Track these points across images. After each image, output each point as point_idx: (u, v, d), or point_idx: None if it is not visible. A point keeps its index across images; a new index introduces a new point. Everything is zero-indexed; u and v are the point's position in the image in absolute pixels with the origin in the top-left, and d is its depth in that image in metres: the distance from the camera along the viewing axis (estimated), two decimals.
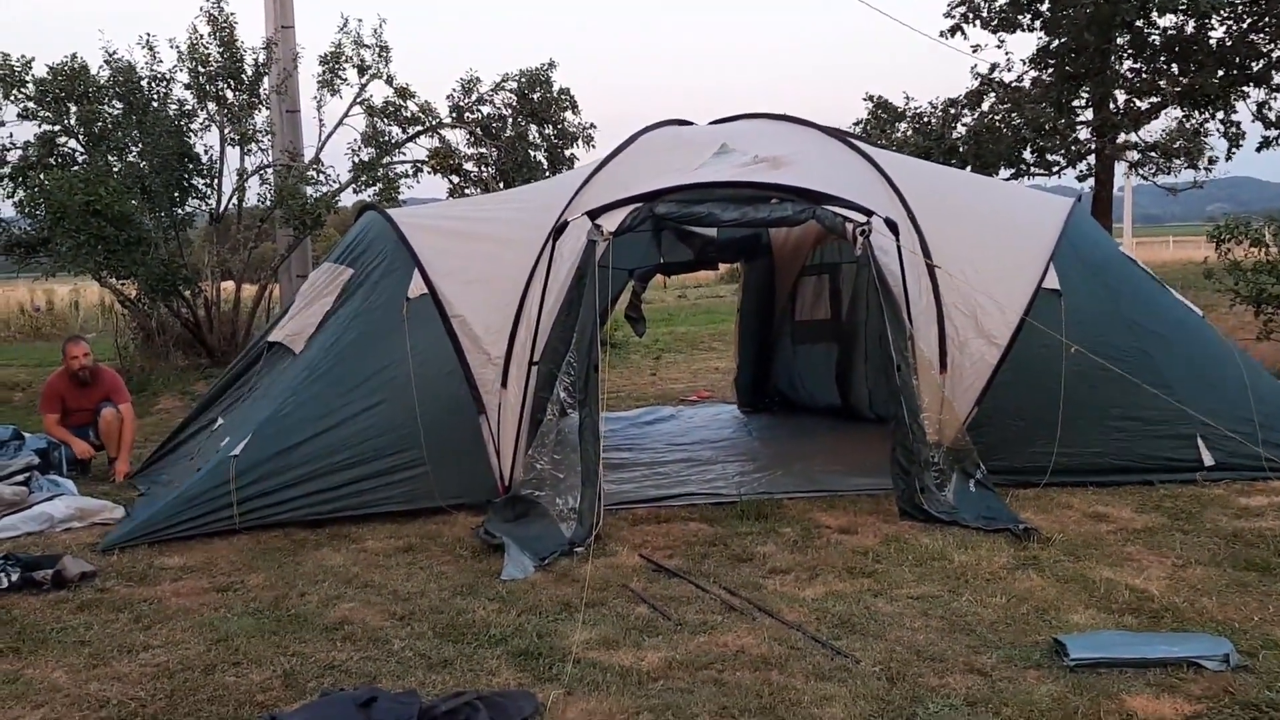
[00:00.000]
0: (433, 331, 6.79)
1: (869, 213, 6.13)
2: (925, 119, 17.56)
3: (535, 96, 14.92)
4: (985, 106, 17.26)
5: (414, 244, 7.05)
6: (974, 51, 17.65)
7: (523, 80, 14.91)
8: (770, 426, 9.73)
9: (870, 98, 18.07)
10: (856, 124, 18.01)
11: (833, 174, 6.97)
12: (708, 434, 9.33)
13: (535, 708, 3.83)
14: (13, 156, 13.91)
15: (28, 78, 13.71)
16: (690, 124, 8.27)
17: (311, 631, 4.70)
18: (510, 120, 15.04)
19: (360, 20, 14.44)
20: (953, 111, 17.46)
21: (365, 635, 4.63)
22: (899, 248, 6.30)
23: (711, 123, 8.39)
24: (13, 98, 13.70)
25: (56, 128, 13.94)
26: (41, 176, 12.43)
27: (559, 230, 6.42)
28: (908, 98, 17.89)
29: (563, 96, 15.12)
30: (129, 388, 12.19)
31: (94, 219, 11.51)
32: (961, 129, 17.24)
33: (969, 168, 16.79)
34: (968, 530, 5.95)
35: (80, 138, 13.93)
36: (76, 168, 12.87)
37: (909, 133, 17.37)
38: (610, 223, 6.08)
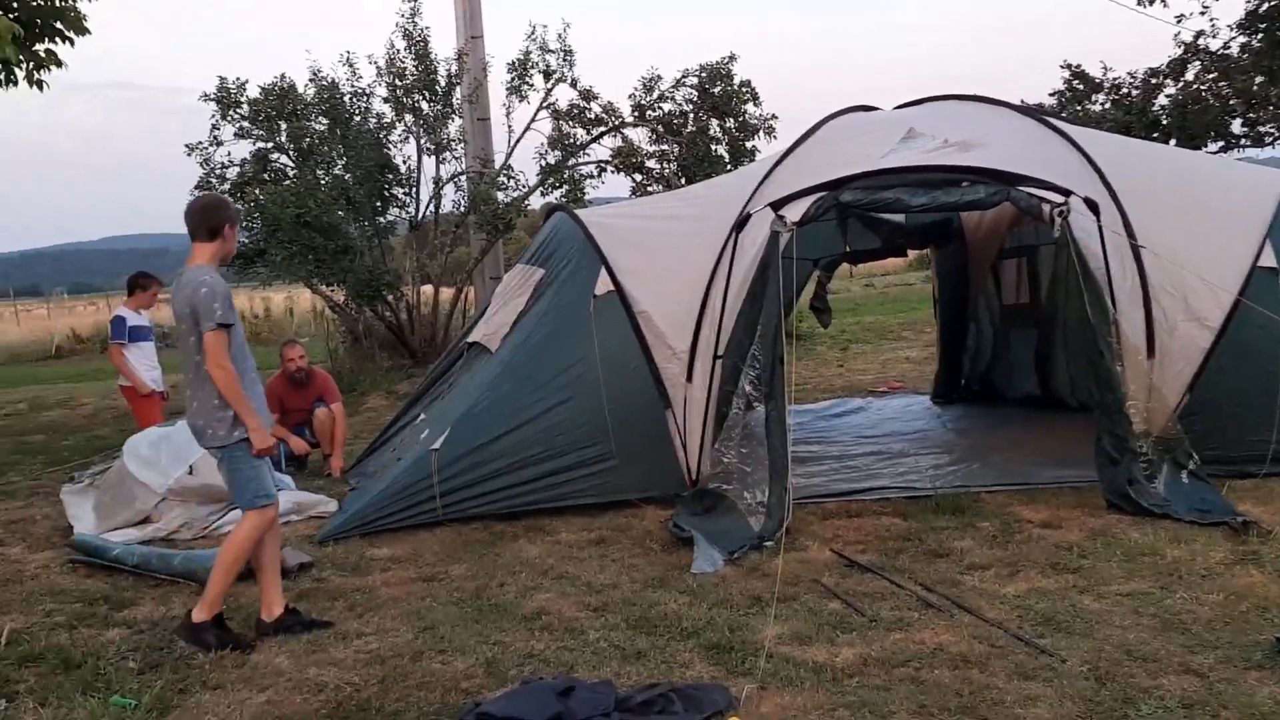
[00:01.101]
0: (619, 328, 6.90)
1: (1067, 192, 5.85)
2: (1124, 90, 16.55)
3: (716, 90, 14.92)
4: (1190, 76, 16.14)
5: (600, 242, 7.18)
6: (1177, 21, 16.57)
7: (703, 75, 14.93)
8: (965, 417, 9.43)
9: (1068, 65, 17.17)
10: (1052, 95, 17.19)
11: (1027, 154, 6.70)
12: (899, 426, 9.12)
13: (729, 701, 3.84)
14: (231, 174, 14.95)
15: (242, 99, 14.69)
16: (875, 109, 8.10)
17: (511, 621, 4.85)
18: (691, 116, 15.09)
19: (545, 26, 14.71)
20: (1154, 82, 16.38)
21: (561, 625, 4.75)
22: (1100, 228, 5.99)
23: (897, 107, 8.20)
24: (229, 118, 14.71)
25: (269, 145, 14.89)
26: (257, 192, 13.27)
27: (741, 223, 6.41)
28: (1105, 68, 16.97)
29: (744, 89, 15.06)
30: (340, 388, 12.96)
31: (304, 230, 12.25)
32: (1164, 100, 16.18)
33: (1173, 141, 15.76)
34: (1180, 524, 5.62)
35: (290, 153, 14.83)
36: (287, 182, 13.68)
37: (1107, 105, 16.42)
38: (794, 213, 6.03)
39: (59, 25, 9.14)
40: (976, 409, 9.75)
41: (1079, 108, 16.61)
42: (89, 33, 9.35)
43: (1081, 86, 16.80)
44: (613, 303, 6.95)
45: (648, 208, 8.59)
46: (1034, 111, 7.57)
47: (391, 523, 6.48)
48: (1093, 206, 5.94)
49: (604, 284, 7.00)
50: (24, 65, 9.16)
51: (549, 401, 6.77)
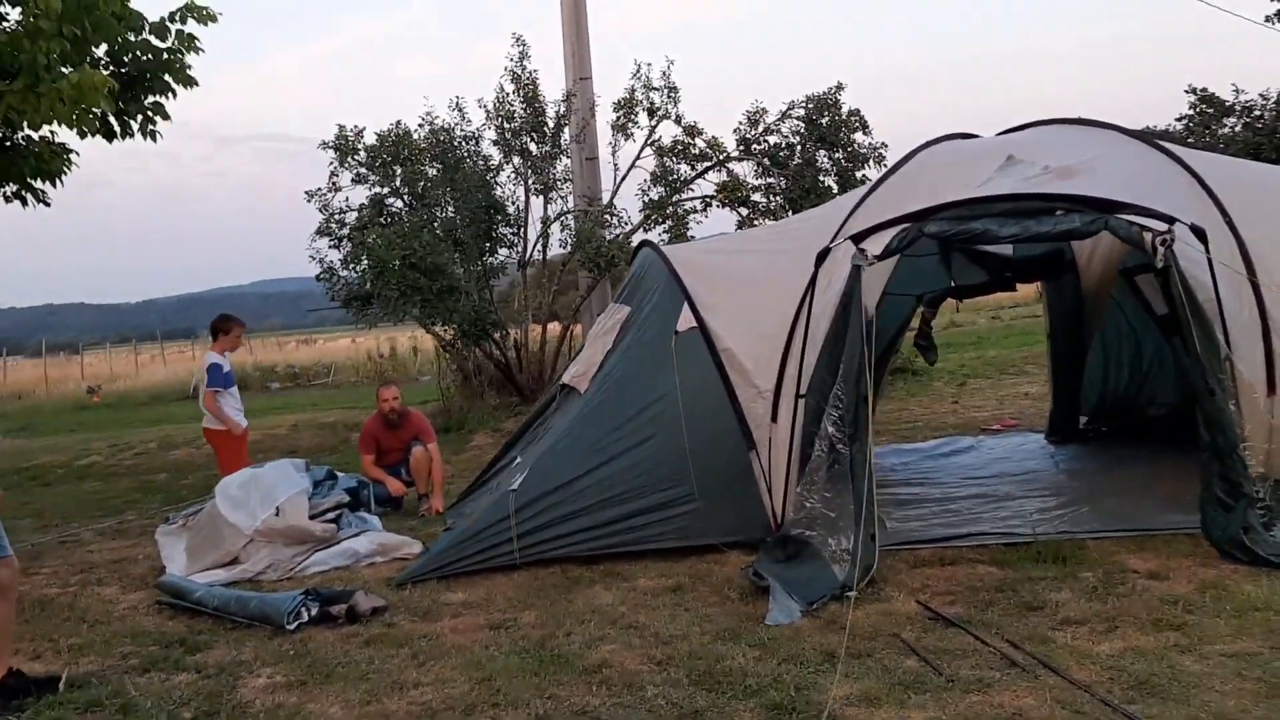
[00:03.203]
0: (702, 365, 6.72)
1: (1170, 219, 5.44)
2: (1256, 112, 15.56)
3: (823, 121, 14.67)
4: None
5: (684, 277, 7.04)
6: None
7: (810, 106, 14.70)
8: (1080, 457, 8.92)
9: (1193, 89, 16.27)
10: (1179, 119, 16.30)
11: (1133, 180, 6.30)
12: (1008, 466, 8.66)
13: None
14: (350, 219, 15.34)
15: (360, 146, 15.09)
16: (975, 136, 7.77)
17: (571, 673, 4.70)
18: (799, 147, 14.85)
19: (649, 64, 14.72)
20: None
21: (621, 680, 4.57)
22: (1209, 258, 5.55)
23: (1000, 134, 7.85)
24: (347, 164, 15.12)
25: (385, 190, 15.24)
26: (371, 236, 13.58)
27: (822, 257, 6.17)
28: (1237, 90, 16.00)
29: (853, 118, 14.77)
30: (449, 425, 13.06)
31: (410, 271, 12.45)
32: None
33: None
34: None
35: (405, 197, 15.15)
36: (395, 225, 13.96)
37: (1238, 129, 15.46)
38: (875, 246, 5.76)
39: (166, 78, 9.53)
40: (1093, 447, 9.23)
41: (1206, 132, 15.71)
42: (196, 84, 9.73)
43: (1210, 110, 15.89)
44: (695, 339, 6.79)
45: (736, 242, 8.42)
46: (1144, 135, 7.12)
47: (469, 566, 6.40)
48: (1200, 234, 5.52)
49: (686, 320, 6.85)
50: (137, 118, 9.58)
51: (629, 441, 6.63)
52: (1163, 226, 5.40)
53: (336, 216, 15.19)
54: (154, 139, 9.80)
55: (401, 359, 28.81)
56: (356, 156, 15.06)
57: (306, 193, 15.07)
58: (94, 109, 7.76)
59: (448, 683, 4.68)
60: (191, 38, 9.44)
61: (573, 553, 6.47)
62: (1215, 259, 5.56)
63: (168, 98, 9.65)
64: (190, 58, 9.58)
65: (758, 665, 4.61)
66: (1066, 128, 7.45)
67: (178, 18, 9.38)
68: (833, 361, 5.92)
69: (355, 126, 15.14)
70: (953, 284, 8.95)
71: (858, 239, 5.80)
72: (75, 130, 8.11)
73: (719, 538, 6.50)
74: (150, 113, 9.69)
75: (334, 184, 15.09)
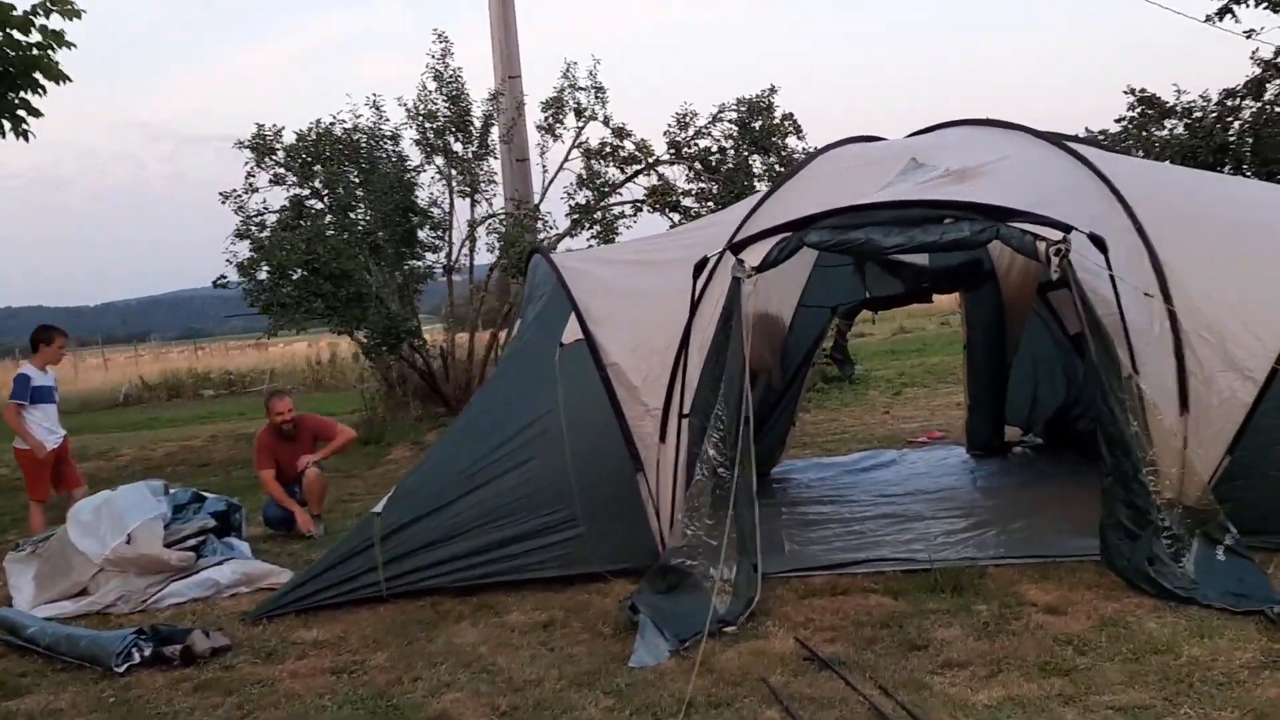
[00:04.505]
0: (588, 380, 6.28)
1: (1067, 228, 5.08)
2: (1197, 114, 15.26)
3: (756, 125, 14.30)
4: (1270, 95, 14.81)
5: (572, 286, 6.60)
6: (1248, 37, 15.28)
7: (742, 110, 14.34)
8: (1000, 473, 8.60)
9: (1132, 91, 15.97)
10: (1118, 121, 16.01)
11: (1036, 185, 5.96)
12: (924, 483, 8.31)
13: None
14: (271, 220, 14.77)
15: (278, 145, 14.54)
16: (880, 139, 7.40)
17: None
18: (732, 152, 14.49)
19: (575, 63, 14.31)
20: (1230, 104, 15.08)
21: None
22: (1110, 270, 5.20)
23: (909, 135, 7.50)
24: (264, 164, 14.56)
25: (305, 191, 14.69)
26: (270, 240, 13.05)
27: (700, 267, 5.77)
28: (1178, 91, 15.72)
29: (786, 123, 14.42)
30: (368, 438, 12.46)
31: (313, 277, 11.93)
32: (1237, 125, 14.88)
33: (1246, 168, 14.52)
34: (1210, 610, 4.77)
35: (325, 199, 14.61)
36: (308, 228, 13.43)
37: (1179, 131, 15.16)
38: (754, 257, 5.37)
39: (36, 75, 9.00)
40: (1015, 462, 8.94)
41: (1145, 134, 15.43)
42: (69, 79, 9.20)
43: (1151, 111, 15.63)
44: (581, 352, 6.36)
45: (633, 250, 8.00)
46: (1054, 137, 6.78)
47: (330, 598, 5.93)
48: (1099, 243, 5.16)
49: (572, 332, 6.41)
50: (6, 116, 9.06)
51: (508, 462, 6.17)
52: (1057, 235, 5.04)
53: (255, 219, 14.65)
54: (26, 138, 9.26)
55: (341, 366, 28.15)
56: (274, 156, 14.54)
57: (221, 194, 14.49)
58: None
59: None
60: (59, 34, 8.93)
61: (445, 583, 6.01)
62: (1116, 271, 5.20)
63: (38, 94, 9.12)
64: (62, 54, 9.07)
65: (606, 718, 4.19)
66: (975, 129, 7.10)
67: (40, 12, 8.86)
68: (715, 380, 5.53)
69: (274, 126, 14.63)
70: (867, 295, 8.58)
71: (736, 249, 5.41)
72: None
73: (603, 565, 6.07)
74: (19, 111, 9.15)
75: (250, 185, 14.53)
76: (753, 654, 4.78)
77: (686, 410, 5.82)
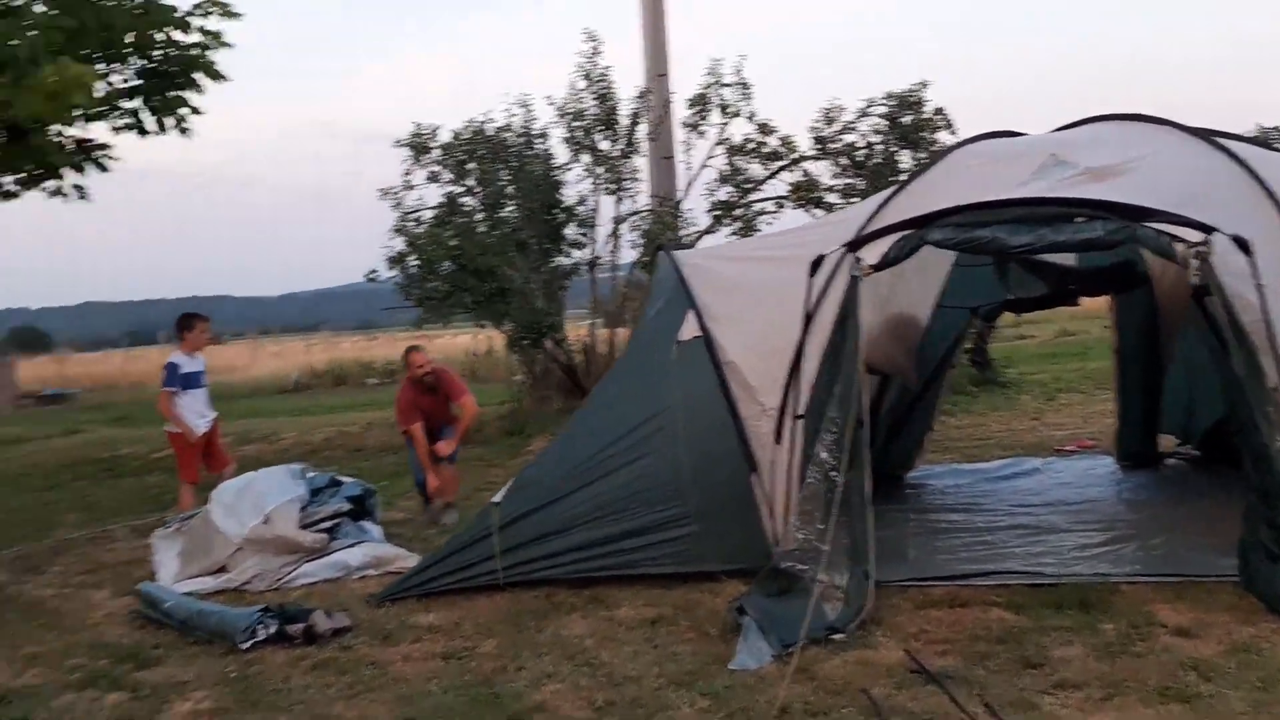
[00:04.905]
0: (705, 379, 6.25)
1: (1208, 229, 4.76)
2: None
3: (906, 120, 13.94)
4: None
5: (692, 283, 6.56)
6: None
7: (891, 104, 13.99)
8: (1149, 486, 8.14)
9: None
10: None
11: (1182, 184, 5.60)
12: (1067, 494, 7.94)
13: None
14: (427, 216, 15.23)
15: (433, 144, 14.98)
16: (1020, 135, 7.08)
17: (499, 716, 4.33)
18: (880, 147, 14.15)
19: (722, 60, 14.25)
20: None
21: None
22: (1256, 275, 4.84)
23: (1053, 131, 7.16)
24: (421, 162, 15.02)
25: (460, 189, 15.10)
26: (421, 236, 13.44)
27: (816, 265, 5.64)
28: None
29: (937, 117, 14.00)
30: (511, 429, 12.75)
31: (460, 272, 12.24)
32: None
33: None
34: None
35: (478, 196, 14.97)
36: (460, 224, 13.79)
37: None
38: (872, 255, 5.23)
39: (195, 75, 9.53)
40: (1168, 475, 8.46)
41: None
42: (225, 78, 9.71)
43: None
44: (698, 350, 6.32)
45: (761, 246, 7.91)
46: (1205, 133, 6.35)
47: (450, 584, 6.09)
48: (1243, 245, 4.81)
49: (690, 329, 6.38)
50: (167, 114, 9.62)
51: (624, 457, 6.19)
52: (1198, 237, 4.73)
53: (411, 215, 15.13)
54: (186, 134, 9.84)
55: (497, 358, 28.80)
56: (430, 154, 14.97)
57: (380, 190, 15.03)
58: (76, 103, 7.72)
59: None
60: (217, 34, 9.45)
61: (560, 574, 6.09)
62: (1263, 276, 4.84)
63: (197, 92, 9.67)
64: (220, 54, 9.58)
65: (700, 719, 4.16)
66: (1121, 125, 6.70)
67: (199, 13, 9.37)
68: (829, 381, 5.42)
69: (430, 125, 15.08)
70: (1009, 296, 8.24)
71: (854, 247, 5.27)
72: (58, 123, 8.11)
73: (717, 564, 6.04)
74: (176, 109, 9.71)
75: (407, 182, 15.02)
76: (858, 663, 4.66)
77: (800, 411, 5.71)
